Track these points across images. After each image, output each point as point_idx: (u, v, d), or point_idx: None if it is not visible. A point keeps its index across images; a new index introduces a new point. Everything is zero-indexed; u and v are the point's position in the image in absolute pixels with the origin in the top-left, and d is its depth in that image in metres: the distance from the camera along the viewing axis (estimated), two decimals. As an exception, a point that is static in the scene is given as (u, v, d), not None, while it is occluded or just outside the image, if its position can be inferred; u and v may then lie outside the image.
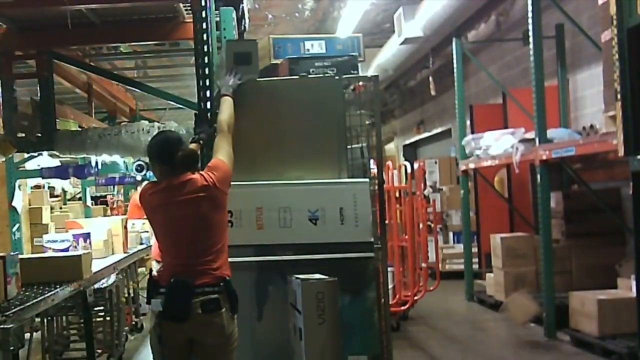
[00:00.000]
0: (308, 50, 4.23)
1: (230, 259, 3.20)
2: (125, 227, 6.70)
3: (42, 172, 7.01)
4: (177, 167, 3.25)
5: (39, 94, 5.92)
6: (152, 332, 3.24)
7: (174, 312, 3.14)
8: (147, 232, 8.21)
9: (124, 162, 8.06)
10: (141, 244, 7.40)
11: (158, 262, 6.28)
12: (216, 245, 3.19)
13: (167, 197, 3.25)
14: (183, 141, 3.40)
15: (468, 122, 9.65)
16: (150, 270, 3.47)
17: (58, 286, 4.92)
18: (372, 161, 3.81)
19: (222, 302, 3.14)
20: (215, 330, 3.14)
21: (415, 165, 8.11)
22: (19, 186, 6.99)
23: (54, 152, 6.06)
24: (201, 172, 3.27)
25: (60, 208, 10.80)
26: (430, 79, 12.27)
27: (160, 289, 3.20)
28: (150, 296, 3.26)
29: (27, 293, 4.59)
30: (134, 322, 7.46)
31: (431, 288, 8.11)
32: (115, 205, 10.95)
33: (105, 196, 12.57)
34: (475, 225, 9.72)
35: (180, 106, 6.72)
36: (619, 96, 3.97)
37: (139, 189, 6.79)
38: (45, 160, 7.91)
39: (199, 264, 3.18)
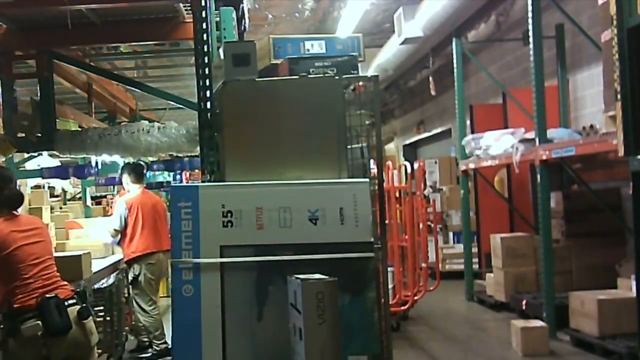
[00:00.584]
0: (308, 50, 4.23)
1: (230, 259, 3.22)
2: (125, 227, 6.68)
3: (42, 172, 7.01)
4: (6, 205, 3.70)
5: (39, 94, 5.91)
6: (30, 353, 3.46)
7: (58, 326, 3.47)
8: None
9: (124, 162, 8.06)
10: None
11: (152, 254, 6.52)
12: (55, 267, 3.73)
13: (18, 228, 3.63)
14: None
15: (468, 122, 9.65)
16: (9, 302, 3.53)
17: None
18: (372, 161, 3.80)
19: (88, 309, 3.69)
20: (92, 334, 3.69)
21: (415, 165, 8.11)
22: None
23: (54, 152, 6.06)
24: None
25: (60, 208, 10.80)
26: (430, 79, 12.27)
27: (28, 313, 3.46)
28: (13, 325, 3.45)
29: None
30: (134, 322, 7.46)
31: (431, 288, 8.11)
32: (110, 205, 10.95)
33: (105, 196, 12.59)
34: (475, 225, 9.72)
35: (180, 106, 6.72)
36: (619, 96, 3.97)
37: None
38: (45, 160, 7.91)
39: (54, 283, 3.65)
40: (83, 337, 3.61)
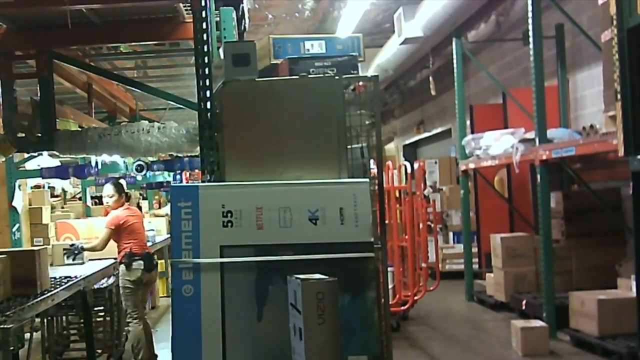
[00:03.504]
0: (308, 50, 4.23)
1: (230, 259, 3.22)
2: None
3: (42, 172, 7.01)
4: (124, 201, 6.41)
5: (39, 94, 5.91)
6: (134, 278, 6.04)
7: (151, 266, 6.20)
8: (153, 230, 8.26)
9: (124, 162, 8.06)
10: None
11: None
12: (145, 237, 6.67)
13: (130, 214, 6.29)
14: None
15: (468, 122, 9.64)
16: (128, 249, 6.12)
17: (59, 286, 4.93)
18: (372, 161, 3.80)
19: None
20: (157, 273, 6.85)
21: (415, 165, 8.11)
22: (19, 186, 6.99)
23: (54, 152, 6.05)
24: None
25: (62, 208, 10.81)
26: (430, 79, 12.27)
27: (136, 256, 6.08)
28: (131, 261, 6.05)
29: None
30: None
31: (431, 288, 8.11)
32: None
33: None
34: (475, 225, 9.72)
35: (180, 106, 6.71)
36: (619, 96, 3.97)
37: None
38: (45, 160, 7.91)
39: (145, 244, 6.42)
40: (156, 274, 6.76)
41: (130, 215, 6.25)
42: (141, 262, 6.07)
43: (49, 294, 4.61)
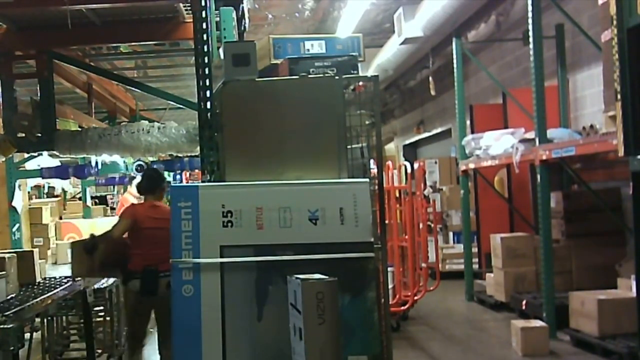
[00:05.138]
0: (308, 50, 4.23)
1: (230, 259, 3.22)
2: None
3: (42, 172, 7.02)
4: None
5: (39, 94, 5.92)
6: (131, 303, 4.98)
7: (147, 288, 4.83)
8: None
9: (124, 162, 8.07)
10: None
11: None
12: None
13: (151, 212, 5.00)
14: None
15: (468, 122, 9.64)
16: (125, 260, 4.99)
17: (59, 286, 4.94)
18: (372, 161, 3.80)
19: None
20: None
21: (415, 165, 8.10)
22: (19, 186, 7.00)
23: (54, 152, 6.06)
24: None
25: (65, 208, 10.83)
26: (430, 79, 12.27)
27: (135, 274, 4.86)
28: (127, 279, 4.94)
29: (27, 293, 4.60)
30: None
31: (431, 288, 8.11)
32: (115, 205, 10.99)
33: (105, 196, 12.61)
34: (475, 225, 9.71)
35: (180, 106, 6.73)
36: (619, 96, 3.97)
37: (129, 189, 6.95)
38: (45, 160, 7.93)
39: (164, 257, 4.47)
40: (167, 302, 4.57)
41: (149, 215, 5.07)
42: (136, 281, 4.94)
43: (49, 293, 4.63)
